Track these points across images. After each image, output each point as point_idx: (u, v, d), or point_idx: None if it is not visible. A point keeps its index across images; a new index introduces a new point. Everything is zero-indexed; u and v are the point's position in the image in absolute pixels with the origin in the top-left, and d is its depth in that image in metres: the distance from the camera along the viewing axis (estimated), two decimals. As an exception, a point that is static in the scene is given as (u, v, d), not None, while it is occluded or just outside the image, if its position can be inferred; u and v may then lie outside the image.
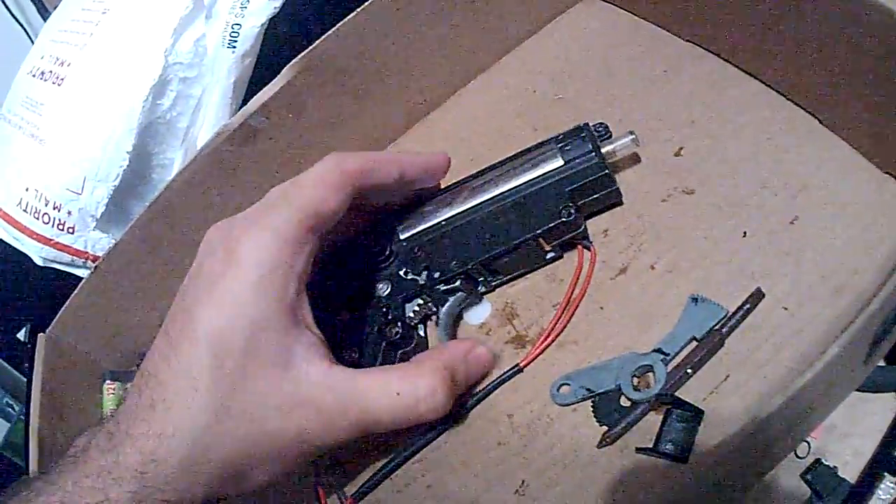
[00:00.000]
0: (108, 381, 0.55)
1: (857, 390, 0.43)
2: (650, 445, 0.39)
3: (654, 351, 0.41)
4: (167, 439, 0.33)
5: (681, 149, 0.48)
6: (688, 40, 0.53)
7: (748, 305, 0.41)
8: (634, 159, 0.48)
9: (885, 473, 0.41)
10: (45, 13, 0.90)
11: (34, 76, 0.65)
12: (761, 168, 0.45)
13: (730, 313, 0.41)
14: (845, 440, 0.44)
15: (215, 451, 0.34)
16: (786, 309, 0.41)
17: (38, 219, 0.60)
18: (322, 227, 0.38)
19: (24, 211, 0.61)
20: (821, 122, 0.46)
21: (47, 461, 0.47)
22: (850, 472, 0.42)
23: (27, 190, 0.61)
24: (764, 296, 0.41)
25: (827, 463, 0.43)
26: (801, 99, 0.47)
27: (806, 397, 0.34)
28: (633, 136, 0.45)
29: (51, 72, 0.63)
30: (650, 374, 0.41)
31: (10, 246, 0.64)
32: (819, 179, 0.44)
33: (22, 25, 0.93)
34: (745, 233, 0.44)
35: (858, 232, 0.41)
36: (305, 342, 0.36)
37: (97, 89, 0.60)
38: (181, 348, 0.35)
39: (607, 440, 0.40)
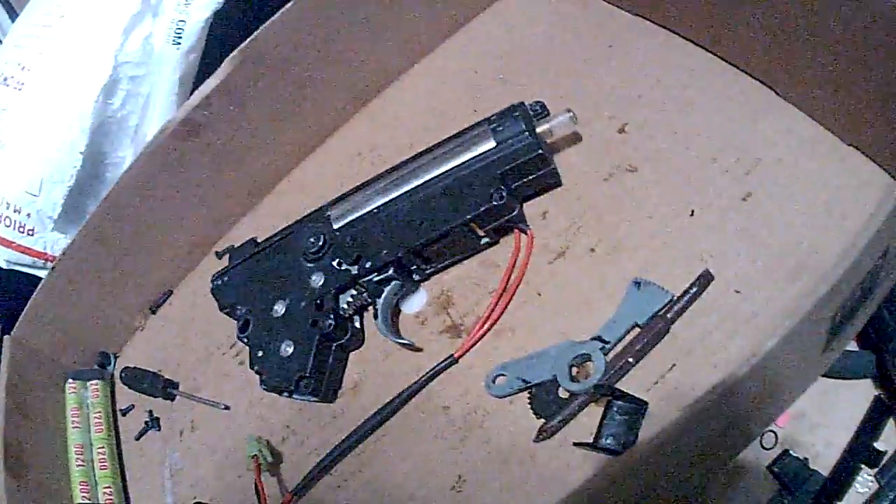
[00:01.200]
0: (69, 381, 0.52)
1: (828, 377, 0.38)
2: (590, 440, 0.34)
3: (594, 339, 0.37)
4: None
5: (625, 125, 0.43)
6: (635, 14, 0.47)
7: (695, 289, 0.36)
8: (575, 138, 0.43)
9: (863, 465, 0.36)
10: (14, 17, 0.86)
11: None
12: (712, 143, 0.40)
13: (675, 297, 0.36)
14: (816, 430, 0.39)
15: None
16: (738, 292, 0.36)
17: (0, 222, 0.57)
18: None
19: None
20: (777, 93, 0.40)
21: (12, 465, 0.44)
22: (822, 464, 0.37)
23: None
24: (713, 278, 0.36)
25: (796, 454, 0.38)
26: (756, 70, 0.41)
27: (749, 390, 0.29)
28: (571, 114, 0.40)
29: (13, 77, 0.60)
30: (589, 363, 0.36)
31: None
32: (775, 154, 0.39)
33: None
34: (692, 211, 0.39)
35: (819, 208, 0.36)
36: None
37: (53, 92, 0.57)
38: None
39: (544, 434, 0.35)
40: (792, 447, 0.38)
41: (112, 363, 0.55)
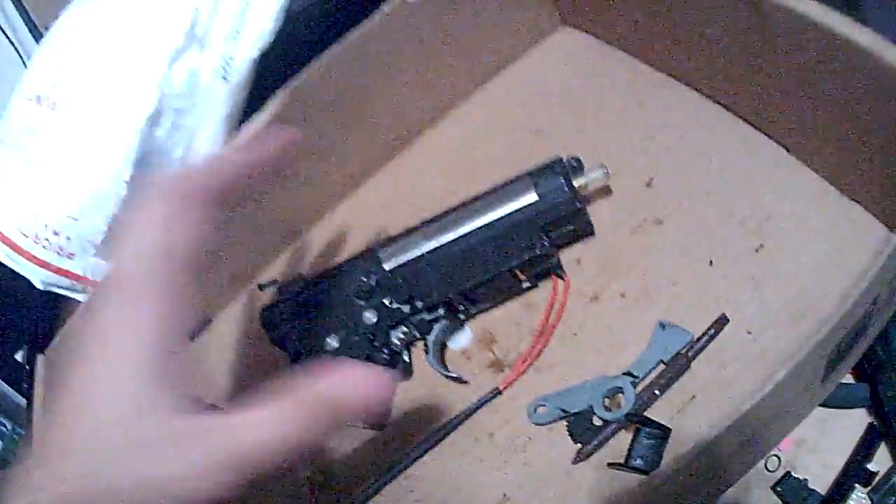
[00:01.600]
0: None
1: (827, 406, 0.46)
2: (621, 461, 0.43)
3: (625, 374, 0.46)
4: (46, 482, 0.33)
5: (651, 179, 0.52)
6: (661, 70, 0.57)
7: (713, 330, 0.46)
8: (606, 191, 0.53)
9: (857, 485, 0.43)
10: (36, 34, 0.93)
11: (30, 100, 0.68)
12: (729, 197, 0.49)
13: (695, 338, 0.46)
14: (815, 454, 0.46)
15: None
16: (749, 333, 0.45)
17: (37, 243, 0.63)
18: (175, 266, 0.36)
19: (25, 235, 0.64)
20: (789, 151, 0.49)
21: None
22: (821, 484, 0.45)
23: (27, 214, 0.63)
24: (728, 321, 0.46)
25: (797, 475, 0.46)
26: (770, 129, 0.50)
27: (757, 418, 0.38)
28: (605, 170, 0.49)
29: (46, 97, 0.66)
30: (620, 395, 0.46)
31: (9, 268, 0.66)
32: (785, 208, 0.48)
33: (15, 47, 0.96)
34: (711, 261, 0.48)
35: (823, 257, 0.45)
36: (167, 396, 0.35)
37: (91, 116, 0.63)
38: (56, 412, 0.35)
39: (581, 456, 0.45)
40: (793, 469, 0.45)
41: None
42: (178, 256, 0.36)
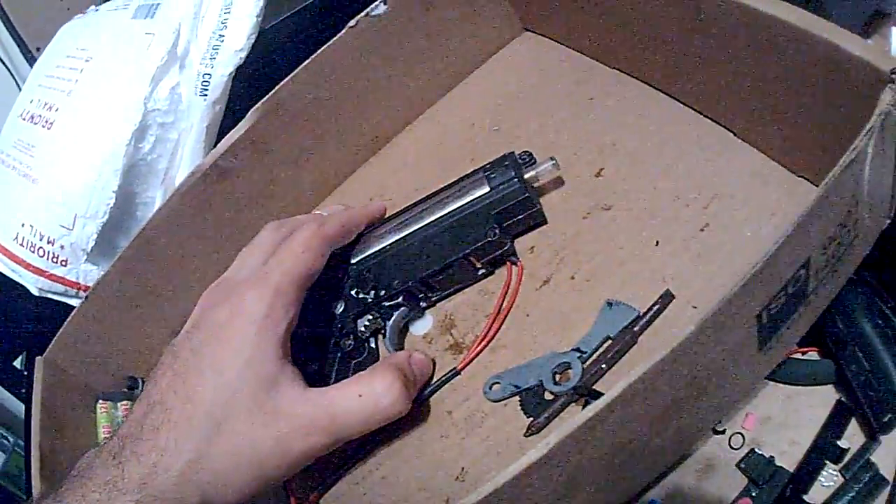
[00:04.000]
0: (101, 401, 0.62)
1: (792, 384, 0.47)
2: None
3: (573, 350, 0.49)
4: (169, 454, 0.41)
5: (601, 170, 0.55)
6: (614, 68, 0.60)
7: (658, 306, 0.48)
8: (558, 182, 0.56)
9: (827, 462, 0.44)
10: (28, 55, 0.99)
11: (24, 119, 0.74)
12: (676, 182, 0.51)
13: (641, 313, 0.48)
14: (781, 431, 0.46)
15: (208, 462, 0.41)
16: (695, 307, 0.47)
17: (34, 252, 0.68)
18: (308, 283, 0.48)
19: (21, 245, 0.69)
20: (735, 134, 0.51)
21: (47, 475, 0.53)
22: (788, 461, 0.45)
23: (23, 226, 0.69)
24: (673, 297, 0.48)
25: (762, 452, 0.45)
26: (716, 114, 0.52)
27: (691, 365, 0.37)
28: (554, 162, 0.53)
29: (40, 116, 0.72)
30: (569, 370, 0.48)
31: (6, 277, 0.71)
32: (731, 188, 0.49)
33: (7, 68, 1.02)
34: (657, 242, 0.50)
35: (770, 232, 0.46)
36: (288, 372, 0.45)
37: (83, 133, 0.68)
38: (188, 380, 0.43)
39: (533, 429, 0.47)
40: (758, 447, 0.46)
41: (140, 387, 0.64)
42: (308, 278, 0.48)
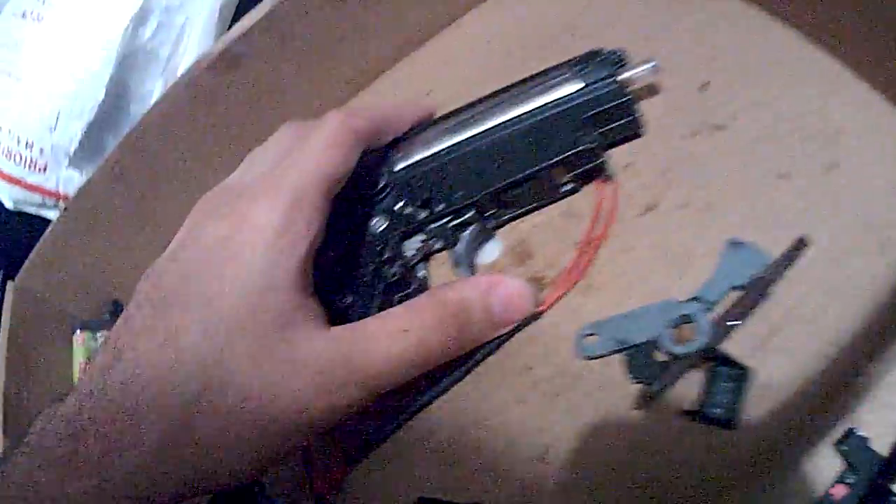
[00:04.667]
0: (77, 332, 0.54)
1: None
2: (691, 408, 0.35)
3: (692, 299, 0.37)
4: (140, 423, 0.30)
5: (706, 83, 0.44)
6: None
7: (793, 253, 0.39)
8: (653, 91, 0.44)
9: None
10: None
11: (15, 16, 0.64)
12: (792, 110, 0.41)
13: (773, 261, 0.38)
14: (882, 411, 0.40)
15: (191, 433, 0.30)
16: (832, 260, 0.37)
17: (9, 159, 0.59)
18: (335, 189, 0.37)
19: None
20: (853, 71, 0.42)
21: (12, 424, 0.46)
22: (880, 446, 0.36)
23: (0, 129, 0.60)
24: (807, 244, 0.37)
25: (861, 433, 0.37)
26: (833, 49, 0.43)
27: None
28: (654, 64, 0.40)
29: (31, 11, 0.62)
30: (688, 325, 0.37)
31: None
32: (856, 125, 0.40)
33: None
34: (782, 175, 0.41)
35: None
36: (310, 307, 0.34)
37: (76, 22, 0.59)
38: (169, 317, 0.32)
39: (644, 401, 0.36)
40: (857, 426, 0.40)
41: (124, 314, 0.55)
42: (334, 182, 0.36)
